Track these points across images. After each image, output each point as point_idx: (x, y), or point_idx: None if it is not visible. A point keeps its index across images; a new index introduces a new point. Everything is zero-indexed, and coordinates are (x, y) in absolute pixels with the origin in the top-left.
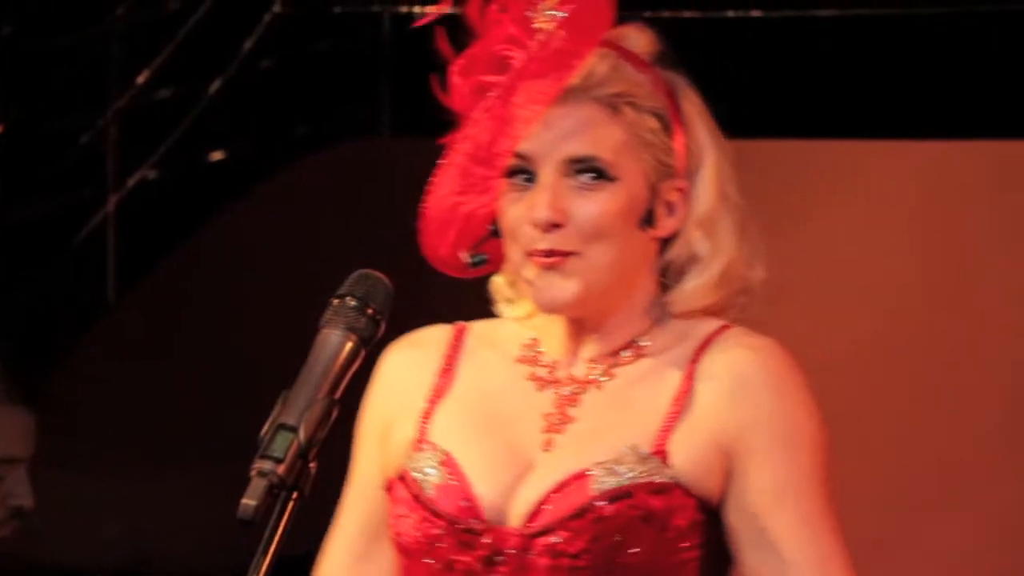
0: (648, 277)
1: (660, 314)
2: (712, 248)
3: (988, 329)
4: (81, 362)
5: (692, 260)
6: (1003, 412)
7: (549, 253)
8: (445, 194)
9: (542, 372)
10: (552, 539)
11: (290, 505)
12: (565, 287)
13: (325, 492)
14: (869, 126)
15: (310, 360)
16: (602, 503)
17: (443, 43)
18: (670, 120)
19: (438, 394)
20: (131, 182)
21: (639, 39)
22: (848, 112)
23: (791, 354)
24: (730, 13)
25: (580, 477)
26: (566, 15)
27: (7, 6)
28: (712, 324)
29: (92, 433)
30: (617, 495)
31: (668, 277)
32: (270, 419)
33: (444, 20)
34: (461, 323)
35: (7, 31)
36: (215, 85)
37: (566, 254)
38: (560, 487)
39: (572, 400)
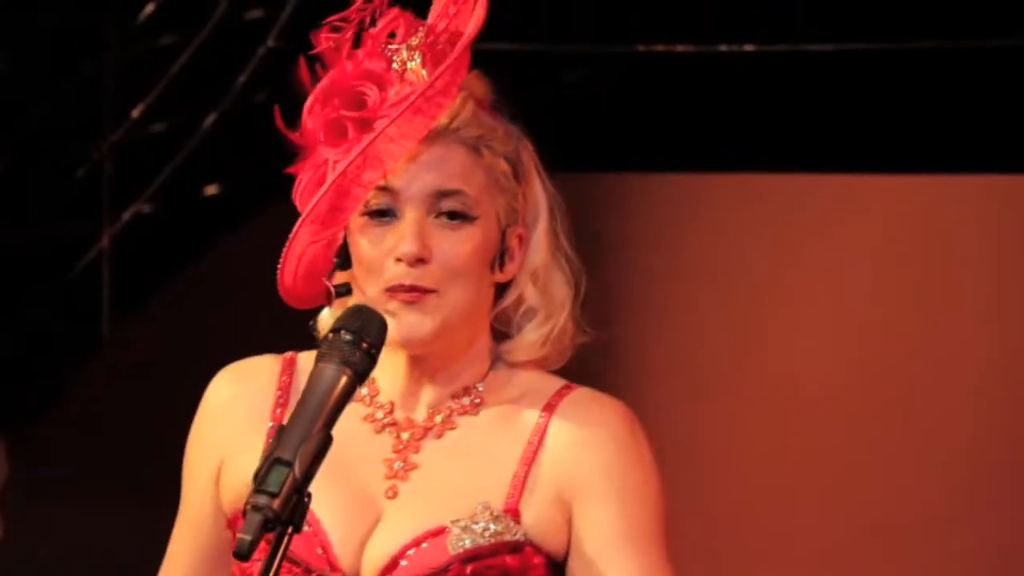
0: (486, 321)
1: (493, 360)
2: (546, 304)
3: (959, 367)
4: (75, 395)
5: (525, 312)
6: (975, 450)
7: (411, 289)
8: (301, 228)
9: (379, 414)
10: None
11: (285, 539)
12: (424, 323)
13: None
14: (864, 159)
15: (305, 394)
16: (461, 563)
17: (305, 76)
18: (518, 166)
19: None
20: (126, 216)
21: (480, 86)
22: (841, 146)
23: (635, 415)
24: (723, 47)
25: (436, 533)
26: (425, 54)
27: (2, 40)
28: (555, 383)
29: (85, 465)
30: (475, 555)
31: (499, 323)
32: (266, 453)
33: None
34: (289, 353)
35: (1, 64)
36: (209, 119)
37: (427, 291)
38: (415, 542)
39: (413, 447)
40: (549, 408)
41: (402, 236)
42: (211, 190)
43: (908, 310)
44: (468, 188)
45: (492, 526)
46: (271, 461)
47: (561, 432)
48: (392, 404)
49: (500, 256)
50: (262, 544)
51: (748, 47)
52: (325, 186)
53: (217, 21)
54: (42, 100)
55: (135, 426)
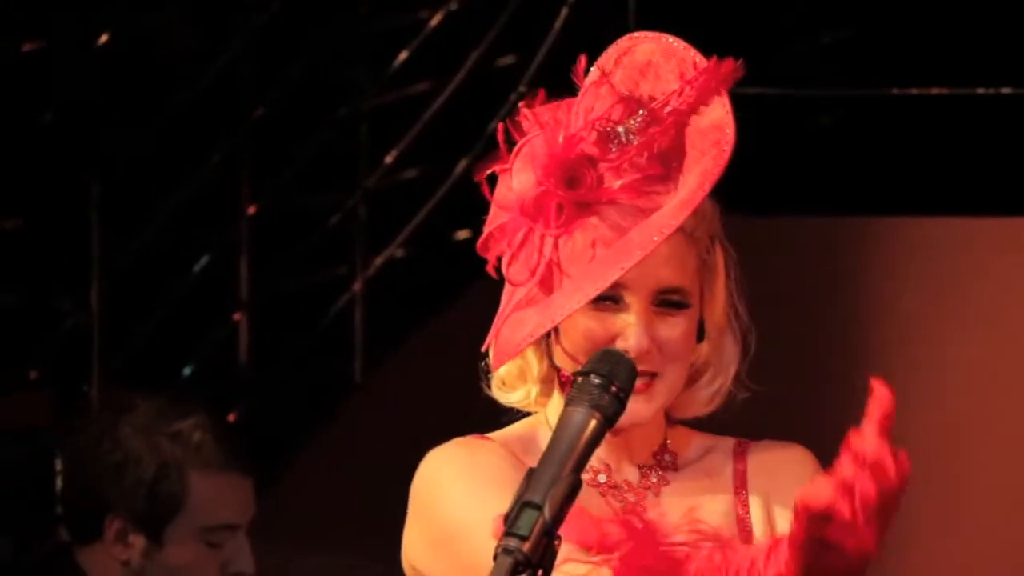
0: None
1: (666, 417)
2: (716, 362)
3: None
4: (326, 437)
5: (698, 369)
6: None
7: (644, 377)
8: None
9: (601, 478)
10: None
11: None
12: (648, 409)
13: None
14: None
15: (555, 437)
16: None
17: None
18: (714, 239)
19: None
20: (379, 260)
21: None
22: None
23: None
24: (980, 90)
25: None
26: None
27: (256, 89)
28: (728, 439)
29: (333, 508)
30: None
31: None
32: (515, 496)
33: None
34: (483, 436)
35: (258, 112)
36: (462, 165)
37: (651, 375)
38: None
39: (641, 507)
40: (740, 456)
41: (628, 325)
42: (463, 235)
43: None
44: (686, 282)
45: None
46: (521, 504)
47: (759, 470)
48: (608, 467)
49: (701, 327)
50: None
51: (1006, 90)
52: (594, 291)
53: (470, 67)
54: (298, 147)
55: (385, 470)
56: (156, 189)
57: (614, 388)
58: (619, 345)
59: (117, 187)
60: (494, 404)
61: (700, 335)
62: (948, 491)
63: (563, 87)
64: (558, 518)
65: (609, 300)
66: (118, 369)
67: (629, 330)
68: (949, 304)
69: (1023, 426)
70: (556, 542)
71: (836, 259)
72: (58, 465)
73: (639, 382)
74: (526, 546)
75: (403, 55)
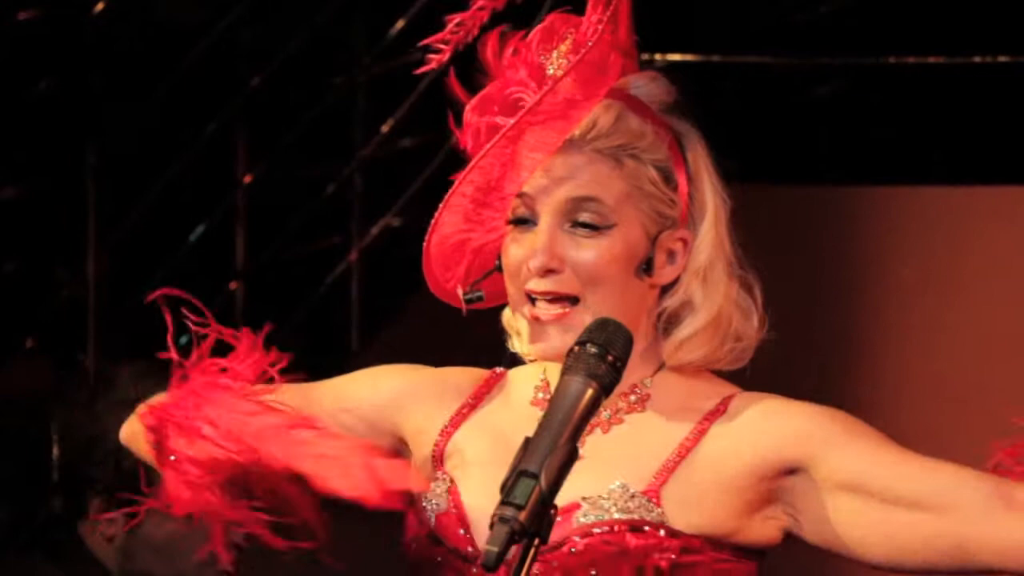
0: (647, 323)
1: (660, 360)
2: (703, 296)
3: None
4: None
5: (686, 308)
6: None
7: (549, 296)
8: (451, 231)
9: (541, 395)
10: (534, 570)
11: (531, 551)
12: (566, 340)
13: None
14: None
15: (551, 407)
16: (577, 537)
17: (455, 84)
18: (673, 171)
19: (455, 424)
20: (375, 230)
21: (650, 87)
22: None
23: None
24: (976, 59)
25: (569, 509)
26: (572, 63)
27: (253, 59)
28: (727, 388)
29: None
30: (598, 528)
31: (663, 323)
32: (511, 465)
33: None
34: (501, 370)
35: (255, 82)
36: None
37: (567, 296)
38: None
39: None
40: (718, 411)
41: (533, 247)
42: None
43: None
44: (604, 196)
45: (622, 503)
46: (517, 473)
47: (729, 430)
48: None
49: (648, 261)
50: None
51: (1003, 58)
52: (464, 173)
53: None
54: (294, 117)
55: None
56: (153, 158)
57: (610, 357)
58: (528, 264)
59: (114, 156)
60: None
61: (650, 270)
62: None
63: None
64: (554, 487)
65: (527, 222)
66: (114, 338)
67: (534, 249)
68: (946, 271)
69: (1017, 391)
70: (552, 511)
71: (834, 227)
72: (54, 432)
73: (552, 309)
74: (523, 515)
75: (400, 24)
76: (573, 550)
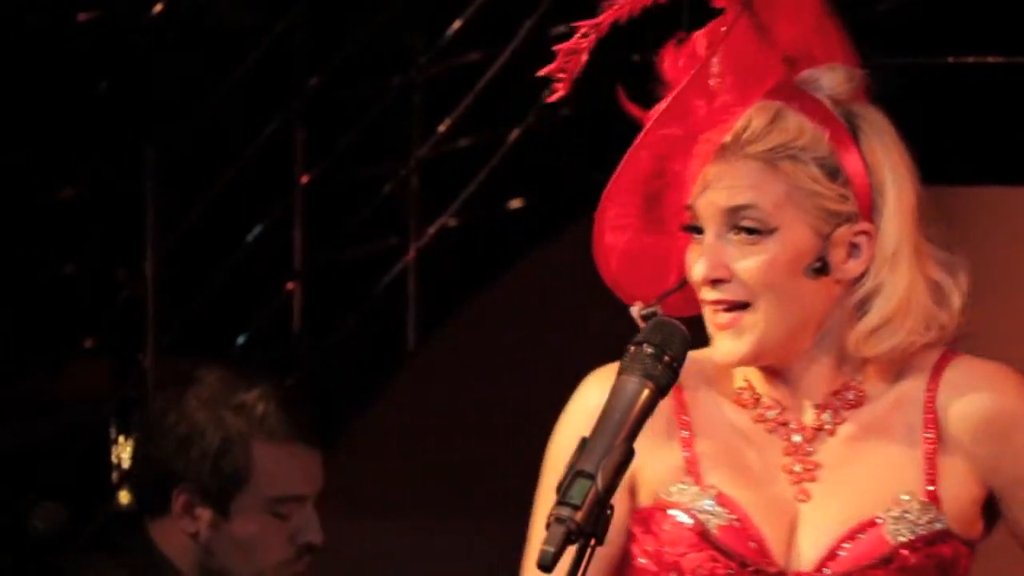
0: (839, 319)
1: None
2: (891, 283)
3: None
4: (382, 406)
5: (874, 295)
6: None
7: (722, 305)
8: (632, 236)
9: (770, 414)
10: None
11: (587, 552)
12: (739, 346)
13: None
14: None
15: (607, 407)
16: (906, 552)
17: (625, 102)
18: (840, 165)
19: (685, 427)
20: (431, 230)
21: (823, 79)
22: None
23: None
24: None
25: (871, 525)
26: (723, 67)
27: (311, 60)
28: (932, 354)
29: (391, 477)
30: (917, 544)
31: (860, 315)
32: (568, 465)
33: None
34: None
35: (312, 83)
36: (514, 133)
37: (737, 304)
38: (851, 534)
39: (808, 448)
40: (933, 381)
41: (701, 256)
42: (516, 204)
43: None
44: (761, 202)
45: (924, 516)
46: (573, 473)
47: (956, 409)
48: (779, 404)
49: (821, 260)
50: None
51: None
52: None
53: (523, 36)
54: (351, 118)
55: (441, 438)
56: (211, 159)
57: (667, 358)
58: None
59: (172, 157)
60: (548, 373)
61: (824, 269)
62: None
63: (616, 57)
64: (611, 487)
65: (697, 231)
66: (172, 339)
67: (699, 261)
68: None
69: None
70: (608, 511)
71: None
72: (113, 433)
73: (723, 317)
74: (579, 515)
75: (456, 24)
76: (903, 567)
